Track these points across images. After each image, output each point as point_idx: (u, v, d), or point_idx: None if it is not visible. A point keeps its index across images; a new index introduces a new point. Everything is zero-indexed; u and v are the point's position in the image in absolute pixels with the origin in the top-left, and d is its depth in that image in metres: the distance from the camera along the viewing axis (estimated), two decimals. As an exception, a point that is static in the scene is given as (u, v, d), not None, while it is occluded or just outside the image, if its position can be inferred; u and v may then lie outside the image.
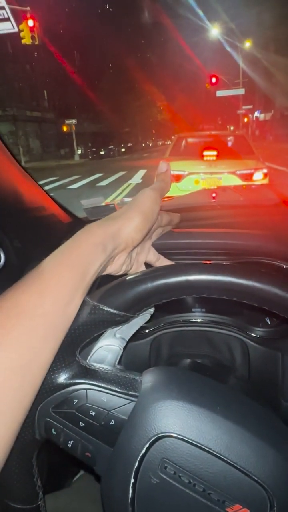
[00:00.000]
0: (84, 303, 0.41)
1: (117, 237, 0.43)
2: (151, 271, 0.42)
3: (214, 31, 29.95)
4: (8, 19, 10.00)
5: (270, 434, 0.39)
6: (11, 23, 10.11)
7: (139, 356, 0.73)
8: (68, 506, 0.65)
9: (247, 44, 28.03)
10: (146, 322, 0.57)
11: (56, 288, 0.36)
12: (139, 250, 0.51)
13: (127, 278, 0.43)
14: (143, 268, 0.53)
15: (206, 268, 0.41)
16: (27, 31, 11.80)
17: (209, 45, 34.66)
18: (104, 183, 10.77)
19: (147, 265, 0.54)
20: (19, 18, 11.79)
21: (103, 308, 0.41)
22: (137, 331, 0.57)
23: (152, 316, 0.56)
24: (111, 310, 0.41)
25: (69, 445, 0.41)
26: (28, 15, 11.88)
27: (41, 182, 0.97)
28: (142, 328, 0.65)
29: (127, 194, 8.57)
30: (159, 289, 0.41)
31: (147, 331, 0.75)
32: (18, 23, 11.62)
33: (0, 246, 0.73)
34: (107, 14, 47.70)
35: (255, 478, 0.36)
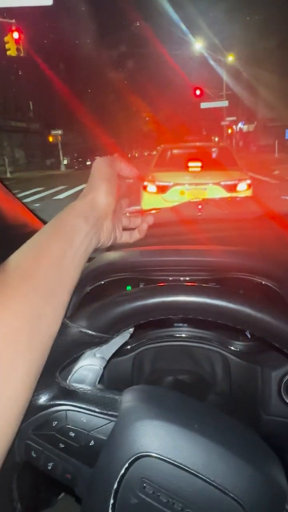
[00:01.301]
0: (63, 325, 0.42)
1: (95, 206, 0.48)
2: (130, 293, 0.43)
3: (198, 45, 30.64)
4: None
5: (246, 451, 0.39)
6: None
7: (122, 372, 0.72)
8: None
9: (230, 58, 28.72)
10: (129, 338, 0.57)
11: (48, 253, 0.41)
12: (116, 219, 0.55)
13: (106, 300, 0.43)
14: (126, 235, 0.58)
15: (183, 290, 0.42)
16: (13, 43, 11.85)
17: (193, 58, 35.42)
18: (90, 193, 10.76)
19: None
20: (5, 30, 11.85)
21: (82, 330, 0.42)
22: (121, 347, 0.57)
23: (134, 331, 0.57)
24: (90, 331, 0.42)
25: (49, 467, 0.41)
26: (14, 28, 11.95)
27: (26, 193, 0.97)
28: (125, 344, 0.65)
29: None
30: (137, 311, 0.42)
31: (129, 347, 0.74)
32: (3, 35, 11.67)
33: None
34: (93, 27, 48.37)
35: (232, 495, 0.36)
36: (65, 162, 27.46)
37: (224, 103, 26.43)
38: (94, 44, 45.79)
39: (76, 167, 25.98)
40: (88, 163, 26.40)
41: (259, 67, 29.06)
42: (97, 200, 0.49)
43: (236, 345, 0.73)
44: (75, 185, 12.84)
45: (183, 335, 0.76)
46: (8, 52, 11.96)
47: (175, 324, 0.77)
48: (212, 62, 29.90)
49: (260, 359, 0.68)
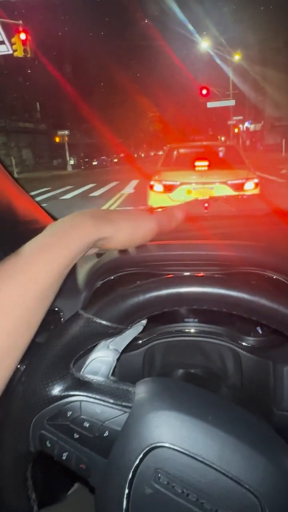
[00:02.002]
0: (78, 316, 0.42)
1: (103, 241, 0.47)
2: (144, 284, 0.43)
3: (204, 44, 30.55)
4: (3, 42, 10.13)
5: (260, 442, 0.39)
6: (6, 45, 10.22)
7: (133, 366, 0.73)
8: None
9: (236, 57, 28.59)
10: (139, 333, 0.57)
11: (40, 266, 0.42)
12: None
13: (120, 291, 0.43)
14: None
15: (197, 281, 0.41)
16: (19, 44, 11.91)
17: (200, 57, 35.33)
18: (96, 193, 10.80)
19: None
20: (12, 31, 11.92)
21: (97, 320, 0.42)
22: (131, 342, 0.57)
23: (145, 326, 0.57)
24: (104, 322, 0.42)
25: (64, 457, 0.41)
26: (21, 29, 12.01)
27: (33, 193, 1.02)
28: (135, 339, 0.66)
29: (119, 204, 8.59)
30: (151, 302, 0.42)
31: (140, 341, 0.75)
32: (11, 36, 11.74)
33: None
34: (100, 27, 48.47)
35: (247, 487, 0.36)
36: (72, 162, 27.53)
37: (231, 102, 26.33)
38: (100, 44, 45.91)
39: (82, 167, 26.05)
40: (95, 163, 26.48)
41: (266, 66, 28.89)
42: (108, 241, 0.48)
43: (248, 341, 0.72)
44: (81, 185, 12.90)
45: (194, 330, 0.76)
46: (15, 53, 12.02)
47: (186, 320, 0.77)
48: (218, 61, 29.80)
49: (272, 354, 0.68)
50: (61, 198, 10.31)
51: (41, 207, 0.99)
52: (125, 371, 0.71)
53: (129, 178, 13.68)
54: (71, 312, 0.53)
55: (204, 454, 0.37)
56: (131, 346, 0.73)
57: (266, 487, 0.37)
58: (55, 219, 1.00)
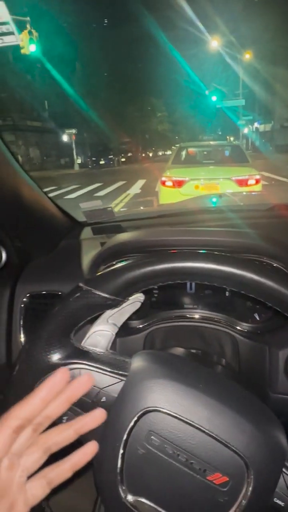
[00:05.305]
0: (78, 288, 0.45)
1: None
2: (140, 259, 0.46)
3: (214, 43, 30.21)
4: (12, 33, 10.02)
5: (248, 410, 0.42)
6: (15, 36, 10.16)
7: (133, 349, 0.73)
8: (66, 497, 0.68)
9: (247, 56, 28.22)
10: (140, 318, 0.66)
11: None
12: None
13: (118, 266, 0.47)
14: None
15: (188, 255, 0.44)
16: (26, 41, 11.76)
17: (209, 57, 35.00)
18: (102, 193, 10.62)
19: None
20: (19, 28, 11.77)
21: (96, 292, 0.44)
22: (132, 326, 0.66)
23: (146, 312, 0.63)
24: (103, 294, 0.44)
25: (64, 420, 0.43)
26: (28, 26, 11.86)
27: None
28: (136, 323, 0.76)
29: (125, 205, 8.39)
30: (146, 275, 0.44)
31: (141, 326, 0.78)
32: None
33: (2, 245, 0.76)
34: (108, 25, 48.40)
35: (234, 449, 0.39)
36: (79, 161, 27.45)
37: (241, 102, 26.03)
38: (110, 44, 45.79)
39: (89, 166, 25.94)
40: (102, 162, 26.36)
41: (276, 65, 28.48)
42: None
43: (245, 327, 0.75)
44: (87, 185, 12.79)
45: (193, 316, 0.79)
46: (22, 51, 11.88)
47: (185, 306, 0.80)
48: (228, 60, 29.46)
49: (268, 339, 0.71)
50: (66, 197, 10.15)
51: (50, 198, 1.02)
52: (126, 354, 0.70)
53: (136, 178, 13.50)
54: None
55: (194, 418, 0.40)
56: (132, 330, 0.78)
57: (252, 450, 0.39)
58: (62, 210, 1.07)
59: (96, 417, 0.41)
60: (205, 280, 0.43)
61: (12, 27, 10.32)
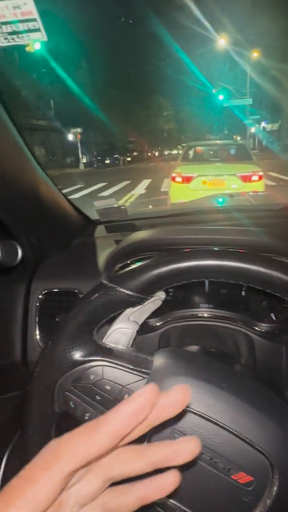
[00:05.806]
0: (102, 285, 0.46)
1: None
2: (164, 257, 0.46)
3: (221, 42, 29.91)
4: (39, 29, 9.92)
5: (270, 409, 0.42)
6: (41, 32, 10.06)
7: (149, 348, 0.74)
8: None
9: (255, 55, 27.88)
10: (155, 317, 0.64)
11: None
12: None
13: (143, 264, 0.47)
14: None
15: (214, 254, 0.44)
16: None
17: (216, 55, 34.69)
18: (106, 193, 10.43)
19: None
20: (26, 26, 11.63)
21: (120, 289, 0.45)
22: (148, 324, 0.64)
23: (161, 311, 0.61)
24: (127, 291, 0.45)
25: (86, 418, 0.43)
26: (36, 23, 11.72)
27: None
28: (152, 322, 0.75)
29: (130, 205, 8.21)
30: (171, 273, 0.45)
31: (157, 324, 0.77)
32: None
33: (18, 242, 0.76)
34: (115, 24, 48.24)
35: (258, 448, 0.39)
36: (84, 160, 27.28)
37: (248, 101, 25.72)
38: (116, 43, 45.65)
39: (95, 166, 25.73)
40: (107, 161, 26.16)
41: (285, 63, 28.09)
42: None
43: (262, 326, 0.73)
44: (92, 184, 12.58)
45: (209, 315, 0.78)
46: (27, 48, 11.72)
47: (201, 305, 0.79)
48: (236, 59, 29.13)
49: (285, 339, 0.69)
50: (69, 197, 9.96)
51: (64, 196, 1.01)
52: (142, 352, 0.68)
53: (141, 178, 13.30)
54: None
55: (217, 417, 0.40)
56: (148, 329, 0.76)
57: (276, 448, 0.39)
58: (76, 208, 1.07)
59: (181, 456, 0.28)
60: (230, 279, 0.43)
61: (39, 23, 10.27)
